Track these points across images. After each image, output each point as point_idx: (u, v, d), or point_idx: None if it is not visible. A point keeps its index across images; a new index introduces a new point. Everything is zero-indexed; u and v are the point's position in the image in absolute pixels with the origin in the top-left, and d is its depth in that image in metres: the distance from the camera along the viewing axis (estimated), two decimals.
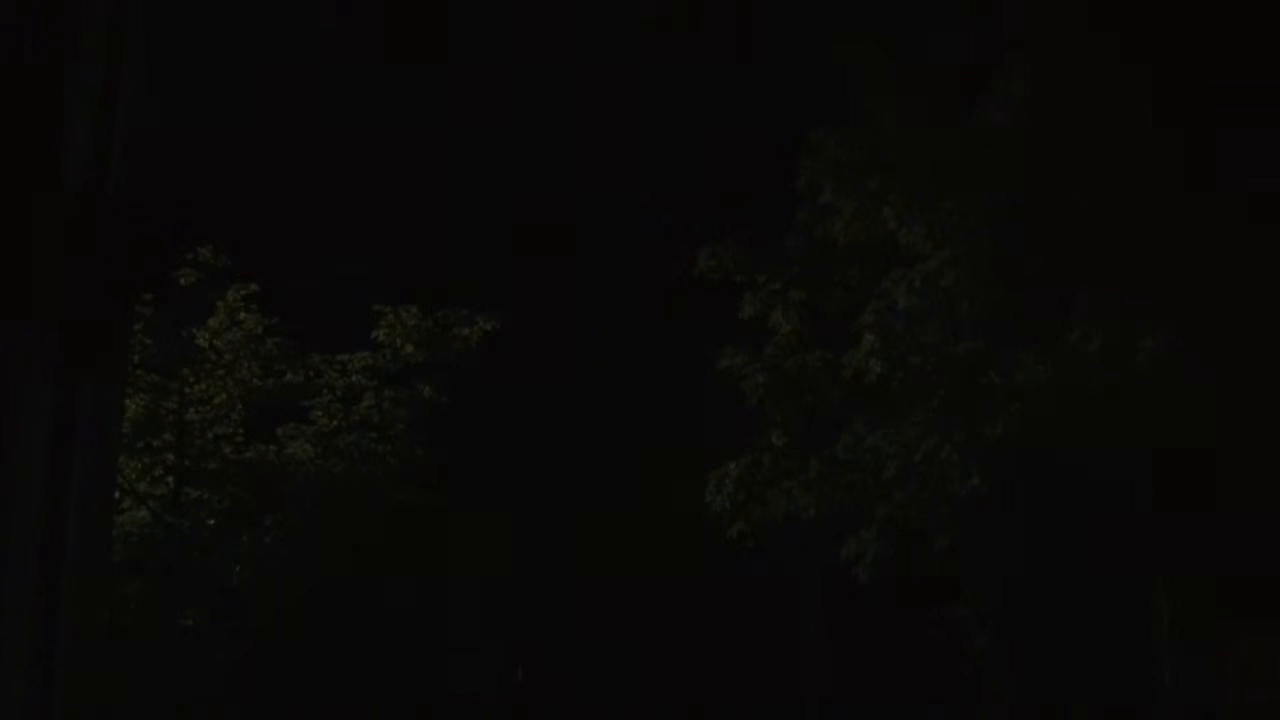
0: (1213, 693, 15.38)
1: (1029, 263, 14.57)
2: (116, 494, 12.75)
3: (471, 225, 20.67)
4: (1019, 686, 15.47)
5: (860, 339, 15.06)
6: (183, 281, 15.11)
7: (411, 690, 20.08)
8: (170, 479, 15.09)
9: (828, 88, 15.66)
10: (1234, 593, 15.31)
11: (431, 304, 16.10)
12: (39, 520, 4.12)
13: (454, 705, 20.59)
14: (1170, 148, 13.76)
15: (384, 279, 16.94)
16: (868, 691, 19.45)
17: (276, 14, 19.47)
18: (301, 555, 15.39)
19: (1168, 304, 13.82)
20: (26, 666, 4.04)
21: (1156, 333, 13.61)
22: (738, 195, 17.92)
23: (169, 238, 14.22)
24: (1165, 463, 14.36)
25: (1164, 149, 13.80)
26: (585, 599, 21.59)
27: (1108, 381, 13.96)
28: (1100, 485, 14.70)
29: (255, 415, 15.55)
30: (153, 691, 14.81)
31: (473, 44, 20.82)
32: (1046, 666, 16.12)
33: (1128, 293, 13.94)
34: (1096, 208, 14.22)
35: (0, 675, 4.00)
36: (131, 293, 4.75)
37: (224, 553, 15.18)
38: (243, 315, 15.43)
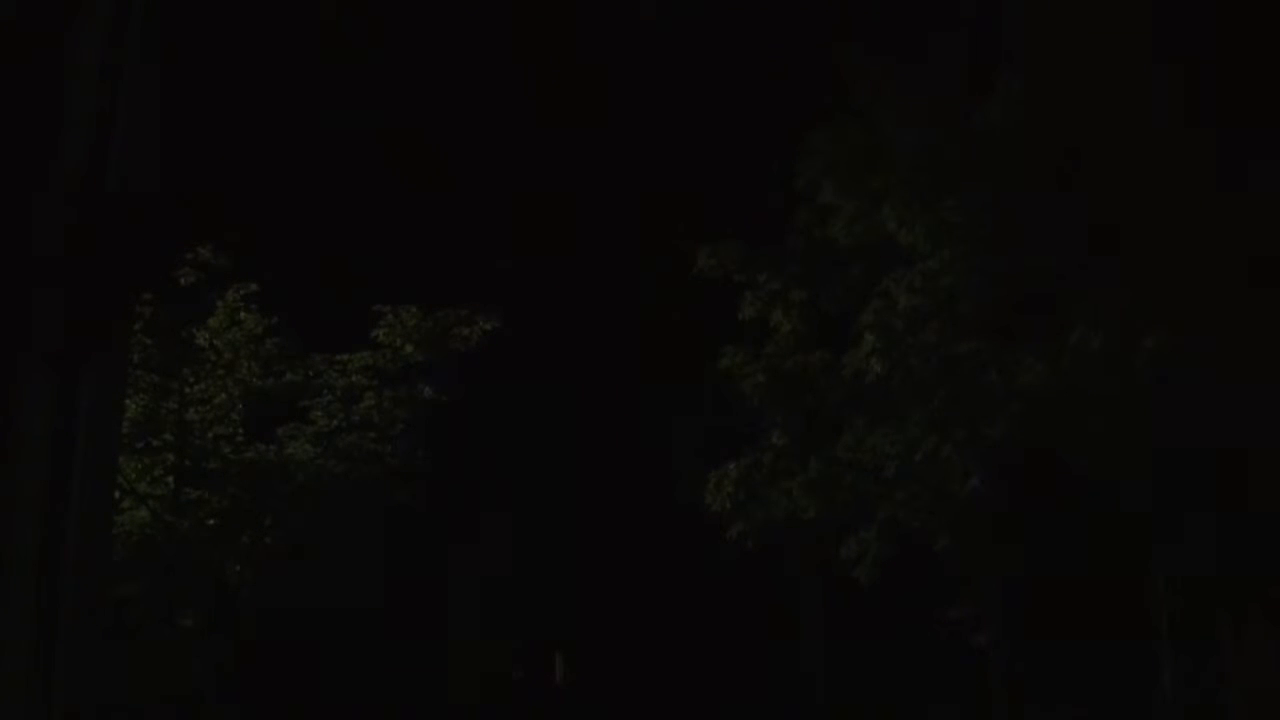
0: (1213, 693, 15.38)
1: (1029, 261, 14.56)
2: (116, 494, 12.75)
3: (471, 225, 20.67)
4: (1019, 686, 15.47)
5: (860, 339, 15.05)
6: (183, 281, 15.12)
7: (411, 690, 20.08)
8: (170, 479, 15.09)
9: (828, 88, 15.66)
10: (1234, 593, 15.31)
11: (431, 304, 16.10)
12: (39, 520, 4.11)
13: (454, 705, 20.59)
14: (1172, 145, 13.76)
15: (384, 279, 16.95)
16: (868, 691, 19.46)
17: (277, 13, 19.47)
18: (301, 555, 15.38)
19: (1168, 303, 13.81)
20: (26, 667, 4.03)
21: (1156, 333, 13.59)
22: (738, 195, 17.92)
23: (169, 238, 14.22)
24: (1165, 463, 14.35)
25: (1165, 147, 13.79)
26: (585, 599, 21.59)
27: (1108, 381, 13.95)
28: (1100, 485, 14.69)
29: (255, 415, 15.55)
30: (153, 691, 14.81)
31: (473, 43, 20.82)
32: (1046, 666, 16.13)
33: (1128, 292, 13.93)
34: (1097, 206, 14.22)
35: (0, 675, 3.99)
36: (131, 293, 4.75)
37: (224, 553, 15.18)
38: (243, 315, 15.44)
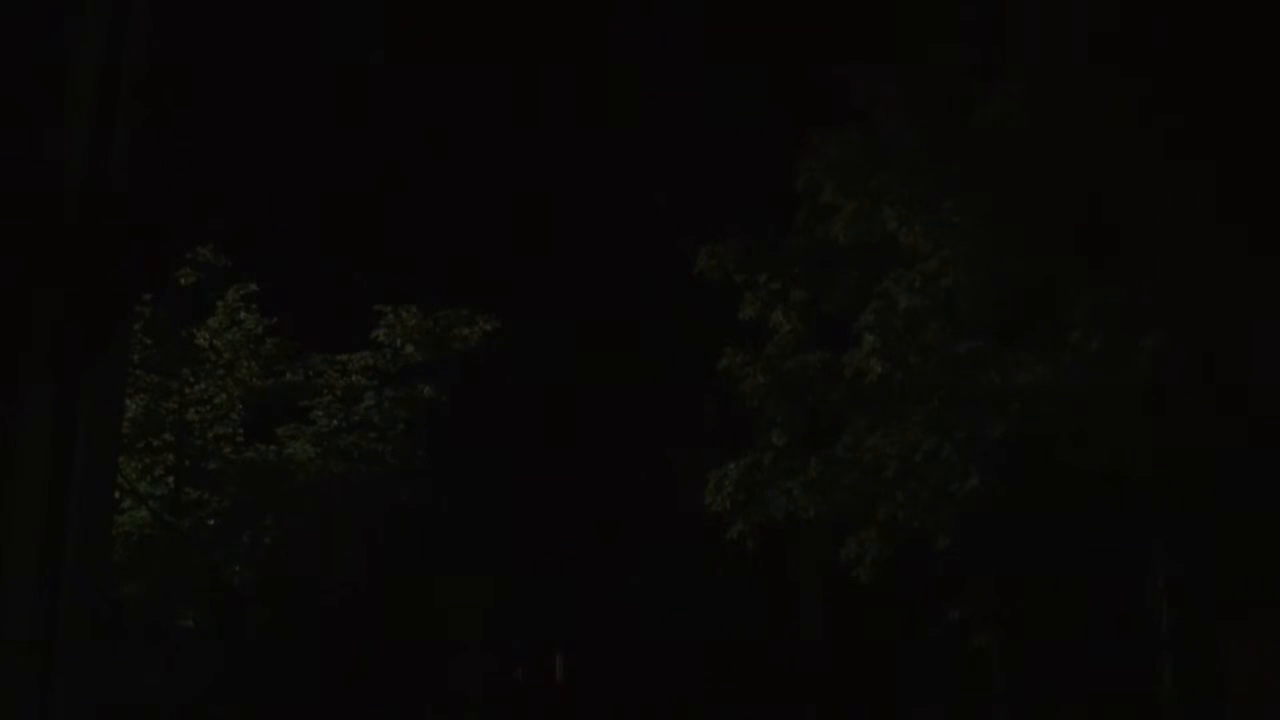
0: (1213, 691, 15.38)
1: (1029, 262, 14.57)
2: (116, 494, 12.75)
3: (472, 225, 20.67)
4: (1019, 686, 15.47)
5: (860, 339, 15.05)
6: (183, 281, 15.12)
7: (411, 689, 20.08)
8: (170, 479, 15.09)
9: (828, 88, 15.66)
10: (1234, 592, 15.31)
11: (431, 304, 16.11)
12: (39, 520, 4.11)
13: (453, 705, 20.59)
14: (1172, 148, 13.77)
15: (384, 279, 16.95)
16: (868, 691, 19.46)
17: (277, 14, 19.47)
18: (301, 555, 15.39)
19: (1168, 303, 13.82)
20: (26, 665, 4.03)
21: (1156, 333, 13.61)
22: (738, 195, 17.92)
23: (169, 238, 14.22)
24: (1165, 463, 14.35)
25: (1165, 149, 13.80)
26: (585, 599, 21.59)
27: (1108, 381, 13.96)
28: (1100, 485, 14.69)
29: (255, 415, 15.55)
30: (153, 691, 14.81)
31: (474, 44, 20.82)
32: (1046, 666, 16.12)
33: (1128, 292, 13.94)
34: (1096, 206, 14.23)
35: (2, 674, 3.99)
36: (131, 293, 4.75)
37: (224, 553, 15.18)
38: (243, 315, 15.45)
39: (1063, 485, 14.69)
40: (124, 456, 13.87)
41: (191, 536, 14.95)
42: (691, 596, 20.75)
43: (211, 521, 15.15)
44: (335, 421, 15.70)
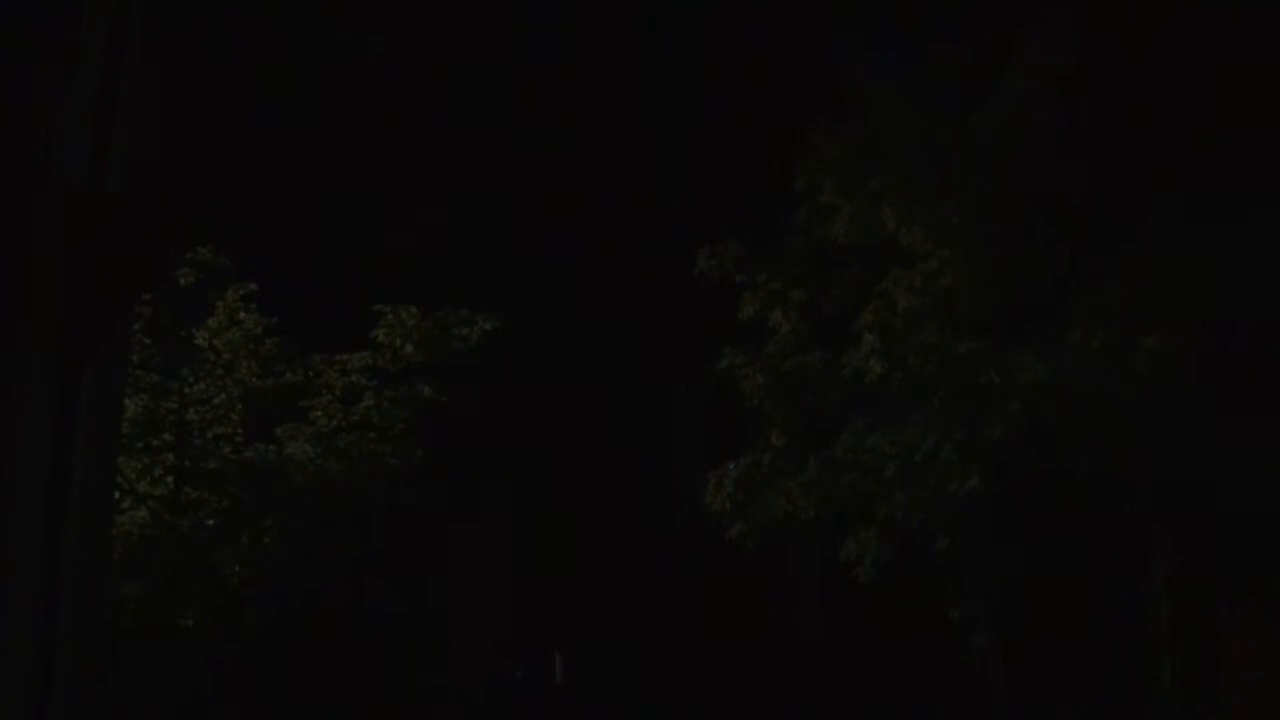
0: (1213, 690, 15.39)
1: (1029, 262, 14.58)
2: (116, 494, 12.75)
3: (472, 225, 20.67)
4: (1019, 686, 15.47)
5: (860, 339, 15.06)
6: (183, 281, 15.12)
7: (411, 691, 20.07)
8: (170, 479, 15.09)
9: (828, 88, 15.66)
10: (1233, 592, 15.32)
11: (431, 304, 16.11)
12: (39, 520, 4.11)
13: (453, 705, 20.58)
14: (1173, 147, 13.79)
15: (384, 279, 16.94)
16: (868, 691, 19.45)
17: (276, 12, 19.46)
18: (301, 555, 15.38)
19: (1168, 304, 13.83)
20: (28, 666, 4.03)
21: (1156, 333, 13.61)
22: (738, 195, 17.91)
23: (169, 238, 14.21)
24: (1165, 463, 14.36)
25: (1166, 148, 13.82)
26: (585, 599, 21.59)
27: (1108, 381, 13.97)
28: (1100, 485, 14.69)
29: (255, 415, 15.55)
30: (153, 691, 14.81)
31: (475, 43, 20.81)
32: (1046, 666, 16.13)
33: (1128, 292, 13.95)
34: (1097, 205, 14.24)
35: (2, 674, 3.99)
36: (131, 293, 4.75)
37: (224, 553, 15.18)
38: (243, 315, 15.45)
39: (1063, 485, 14.69)
40: (124, 456, 13.86)
41: (191, 536, 14.94)
42: (691, 596, 20.74)
43: (211, 521, 15.14)
44: (335, 421, 15.70)
